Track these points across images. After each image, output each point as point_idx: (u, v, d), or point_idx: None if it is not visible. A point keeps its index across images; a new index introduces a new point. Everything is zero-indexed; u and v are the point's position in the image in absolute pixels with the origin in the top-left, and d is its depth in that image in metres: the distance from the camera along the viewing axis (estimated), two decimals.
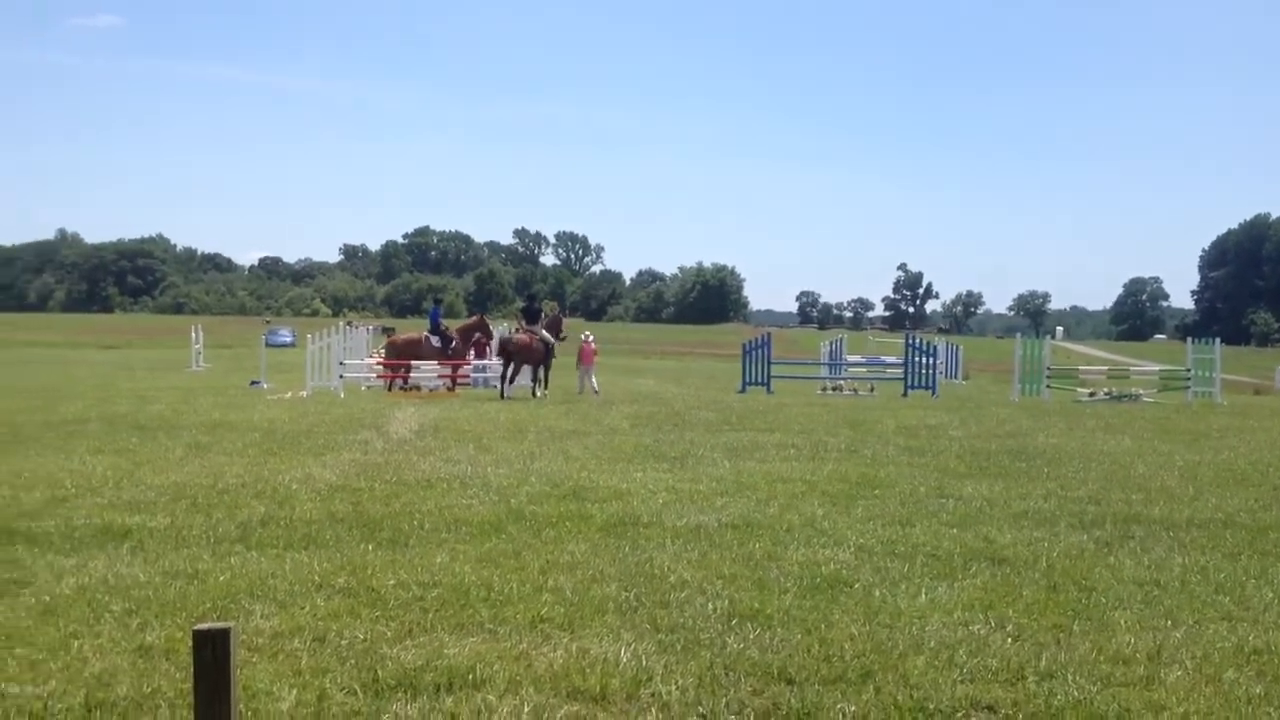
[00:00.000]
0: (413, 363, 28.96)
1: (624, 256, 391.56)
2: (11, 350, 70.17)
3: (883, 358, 41.68)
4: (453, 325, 31.47)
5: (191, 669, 5.39)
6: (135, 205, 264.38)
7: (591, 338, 30.72)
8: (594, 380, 29.24)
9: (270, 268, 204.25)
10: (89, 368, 44.12)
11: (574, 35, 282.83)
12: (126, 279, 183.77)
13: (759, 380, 31.95)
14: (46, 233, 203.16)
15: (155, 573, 7.56)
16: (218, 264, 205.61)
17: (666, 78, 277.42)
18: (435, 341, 29.51)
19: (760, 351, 32.47)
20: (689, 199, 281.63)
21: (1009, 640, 6.35)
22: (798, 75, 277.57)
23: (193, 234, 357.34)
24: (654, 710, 5.18)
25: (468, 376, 30.27)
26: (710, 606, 6.87)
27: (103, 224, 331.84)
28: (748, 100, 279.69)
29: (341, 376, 28.08)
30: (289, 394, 26.87)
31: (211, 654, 2.96)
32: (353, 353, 31.77)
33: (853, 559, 8.41)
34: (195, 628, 2.94)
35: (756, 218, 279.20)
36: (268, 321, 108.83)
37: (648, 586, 7.38)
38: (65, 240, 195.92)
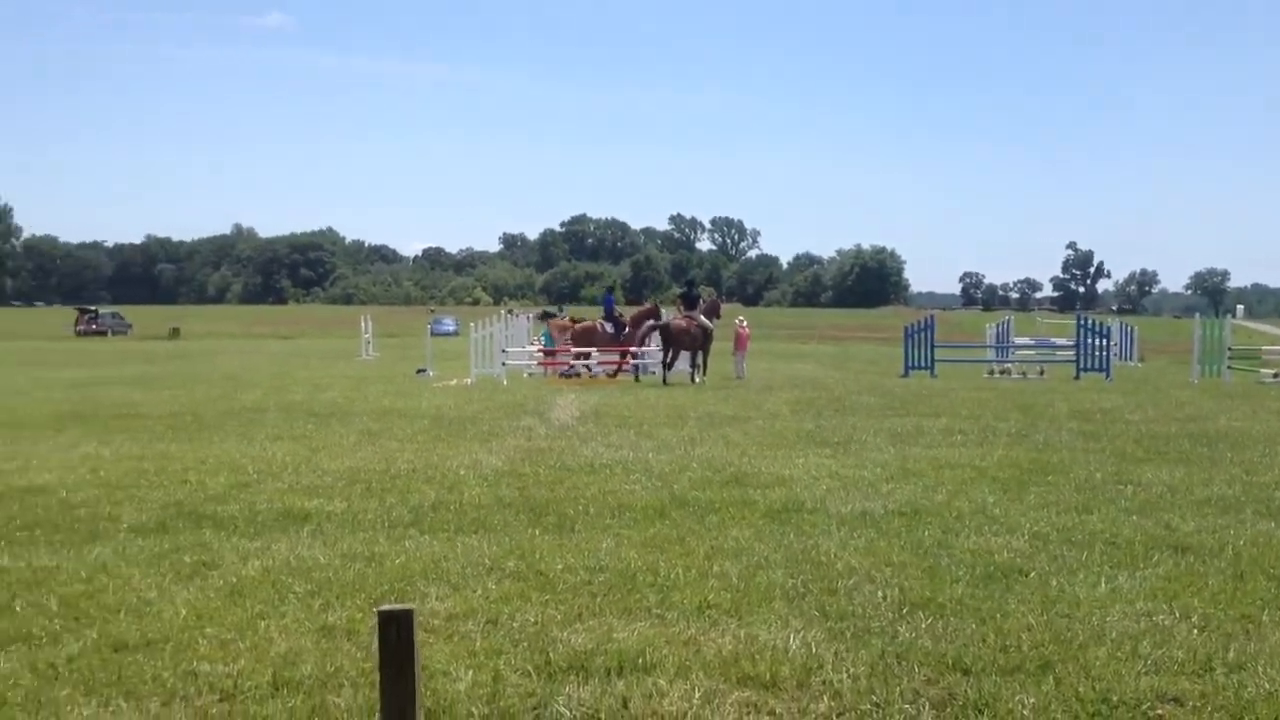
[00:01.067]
0: (591, 350, 29.19)
1: (780, 240, 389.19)
2: (193, 341, 73.52)
3: (1052, 340, 40.50)
4: (626, 311, 31.67)
5: (373, 649, 5.56)
6: (306, 199, 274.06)
7: (746, 323, 30.61)
8: (744, 366, 29.15)
9: (434, 258, 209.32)
10: (265, 357, 45.90)
11: (726, 21, 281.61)
12: (299, 271, 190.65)
13: (922, 364, 31.39)
14: (223, 228, 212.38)
15: (334, 555, 7.81)
16: (384, 255, 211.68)
17: (822, 60, 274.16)
18: (609, 328, 29.52)
19: (923, 335, 31.89)
20: (846, 181, 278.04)
21: (1195, 631, 6.09)
22: (957, 51, 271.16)
23: (360, 227, 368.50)
24: (826, 698, 5.12)
25: (628, 363, 30.48)
26: (880, 594, 6.77)
27: (276, 218, 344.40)
28: (905, 78, 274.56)
29: (504, 364, 28.59)
30: (454, 381, 27.48)
31: (396, 634, 3.03)
32: (514, 340, 32.27)
33: (1027, 547, 8.18)
34: (379, 609, 3.01)
35: (917, 198, 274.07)
36: (432, 311, 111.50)
37: (814, 573, 7.31)
38: (241, 235, 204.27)
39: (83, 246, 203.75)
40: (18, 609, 6.51)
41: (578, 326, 30.67)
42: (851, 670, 5.44)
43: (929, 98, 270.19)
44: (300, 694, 5.08)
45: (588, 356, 29.04)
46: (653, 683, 5.29)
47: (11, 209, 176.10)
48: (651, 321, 28.65)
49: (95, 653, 5.67)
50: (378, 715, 3.14)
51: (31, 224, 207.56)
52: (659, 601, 6.62)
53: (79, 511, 9.57)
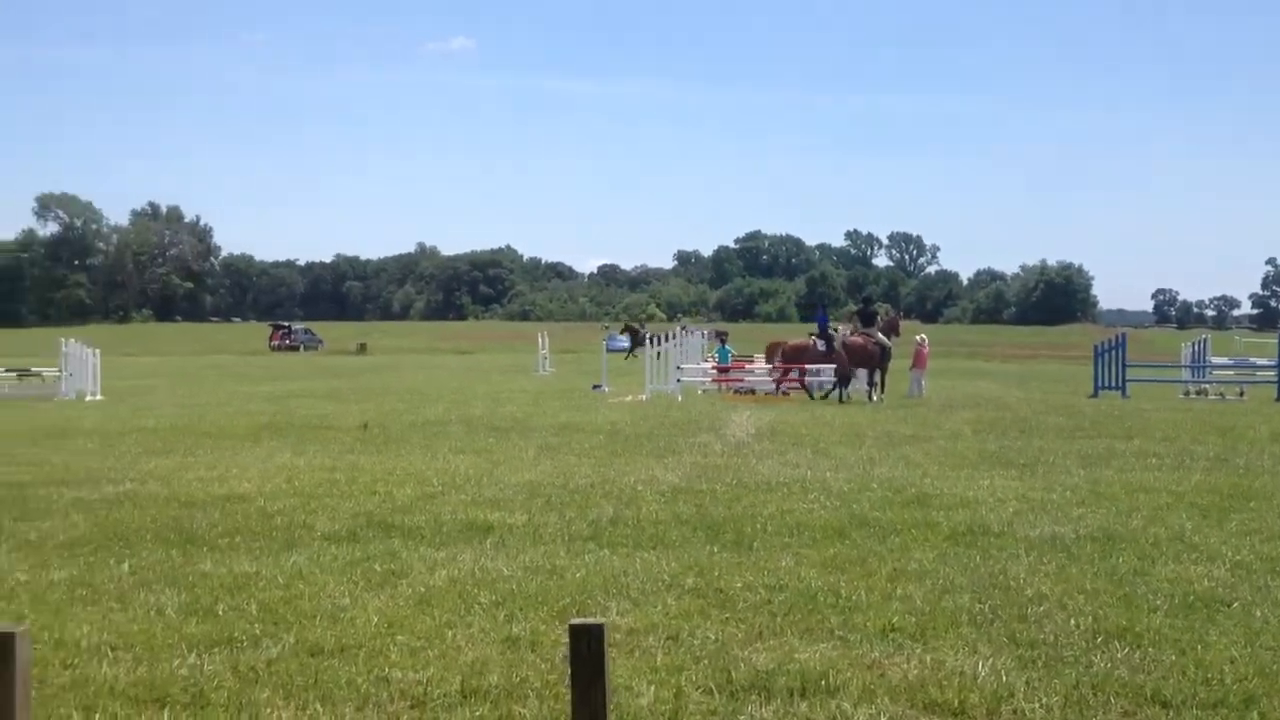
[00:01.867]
0: (758, 366, 28.93)
1: (961, 256, 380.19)
2: (380, 356, 76.04)
3: (1252, 359, 38.55)
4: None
5: (559, 660, 5.63)
6: (486, 218, 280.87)
7: (926, 340, 30.03)
8: (923, 384, 28.54)
9: (608, 275, 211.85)
10: (446, 372, 47.15)
11: (909, 29, 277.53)
12: (478, 288, 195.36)
13: (1113, 384, 30.25)
14: (408, 246, 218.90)
15: (517, 567, 7.94)
16: (560, 272, 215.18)
17: (1006, 71, 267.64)
18: (820, 346, 28.68)
19: (1114, 353, 30.74)
20: (1030, 194, 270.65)
21: None
22: (1152, 59, 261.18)
23: (538, 244, 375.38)
24: None
25: (803, 381, 30.24)
26: (1073, 622, 6.53)
27: (457, 237, 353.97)
28: (1092, 88, 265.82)
29: (679, 380, 28.70)
30: (629, 397, 27.71)
31: (587, 647, 3.06)
32: (689, 357, 32.36)
33: (1229, 576, 7.78)
34: (571, 623, 3.04)
35: (1106, 211, 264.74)
36: (606, 327, 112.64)
37: (1003, 599, 7.10)
38: (424, 253, 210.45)
39: (277, 265, 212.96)
40: (220, 612, 6.80)
41: (790, 343, 29.73)
42: (1044, 700, 5.26)
43: (1120, 107, 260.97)
44: (487, 703, 5.17)
45: (804, 374, 27.98)
46: (836, 705, 5.21)
47: (211, 229, 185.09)
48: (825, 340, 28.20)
49: (293, 657, 5.89)
50: None
51: (230, 243, 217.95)
52: (841, 623, 6.53)
53: (276, 520, 9.97)
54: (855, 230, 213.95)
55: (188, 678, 5.56)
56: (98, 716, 5.05)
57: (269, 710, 5.12)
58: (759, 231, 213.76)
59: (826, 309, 33.11)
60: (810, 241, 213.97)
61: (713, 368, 31.78)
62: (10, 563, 8.22)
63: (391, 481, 12.29)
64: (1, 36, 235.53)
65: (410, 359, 69.61)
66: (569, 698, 5.09)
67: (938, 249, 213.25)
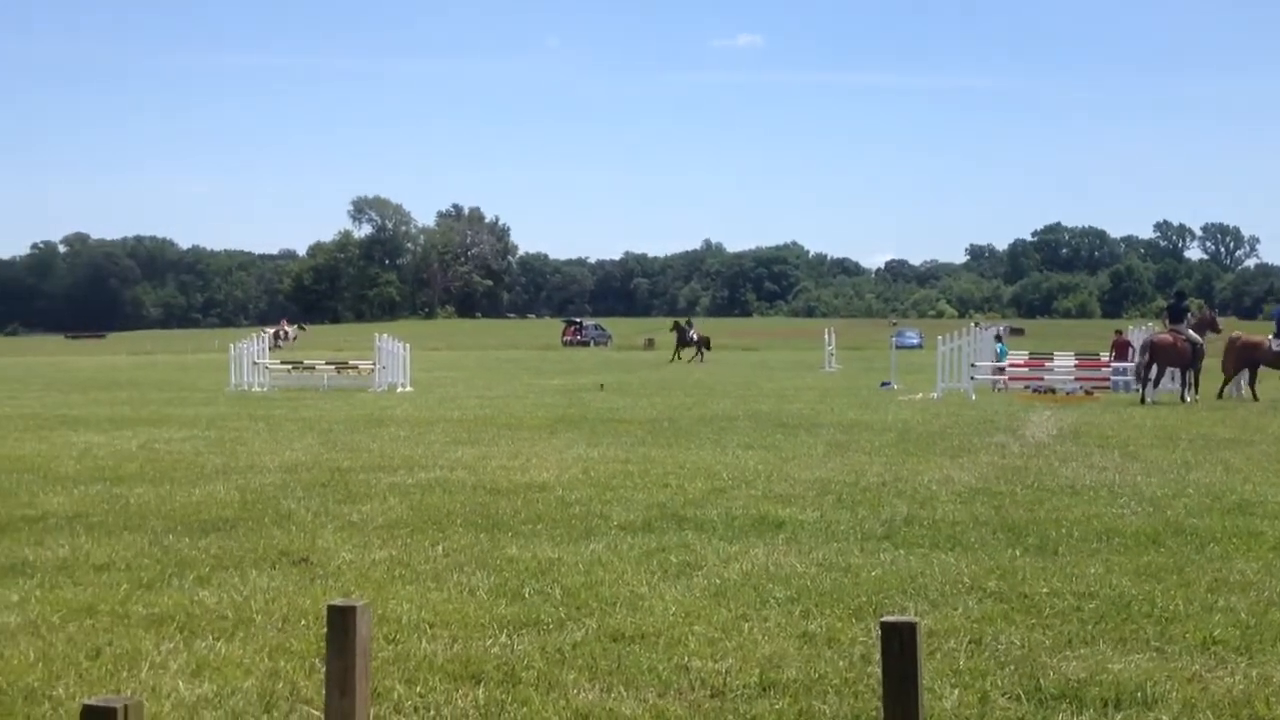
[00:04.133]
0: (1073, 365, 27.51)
1: None
2: (666, 351, 77.35)
3: None
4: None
5: (857, 658, 5.58)
6: (771, 215, 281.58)
7: (1242, 337, 27.93)
8: (1242, 385, 26.42)
9: (896, 270, 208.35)
10: (732, 368, 47.50)
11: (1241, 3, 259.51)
12: (763, 284, 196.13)
13: None
14: (694, 244, 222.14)
15: (810, 564, 7.91)
16: (846, 268, 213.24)
17: None
18: (1275, 346, 26.59)
19: None
20: None
21: None
22: None
23: (824, 240, 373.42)
24: None
25: (1107, 380, 28.85)
26: None
27: (743, 233, 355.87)
28: None
29: (973, 378, 27.90)
30: (919, 395, 27.15)
31: (899, 646, 3.01)
32: (981, 354, 31.38)
33: None
34: (883, 620, 3.00)
35: None
36: (894, 324, 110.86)
37: None
38: (710, 250, 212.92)
39: (569, 262, 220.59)
40: (526, 595, 7.08)
41: (1240, 340, 26.86)
42: None
43: None
44: (787, 697, 5.17)
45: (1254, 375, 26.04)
46: (1155, 718, 4.94)
47: (509, 228, 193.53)
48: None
49: (596, 641, 6.07)
50: None
51: (526, 243, 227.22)
52: (1158, 634, 6.18)
53: (574, 509, 10.30)
54: (1165, 221, 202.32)
55: (499, 656, 5.82)
56: (419, 689, 5.34)
57: (576, 691, 5.29)
58: (1058, 224, 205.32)
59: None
60: (1115, 234, 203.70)
61: (1008, 365, 30.73)
62: (336, 542, 8.83)
63: (683, 475, 12.47)
64: (324, 52, 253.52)
65: None
66: (873, 695, 5.05)
67: (1257, 241, 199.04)
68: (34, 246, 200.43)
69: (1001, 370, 29.81)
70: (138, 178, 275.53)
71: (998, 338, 30.89)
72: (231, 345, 34.49)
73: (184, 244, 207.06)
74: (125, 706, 2.32)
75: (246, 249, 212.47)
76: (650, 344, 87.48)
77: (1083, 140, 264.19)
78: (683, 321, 59.64)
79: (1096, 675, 5.46)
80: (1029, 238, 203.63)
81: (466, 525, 9.51)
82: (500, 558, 8.18)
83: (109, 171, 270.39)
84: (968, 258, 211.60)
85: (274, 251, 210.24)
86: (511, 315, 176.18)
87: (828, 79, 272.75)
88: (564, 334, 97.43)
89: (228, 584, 7.45)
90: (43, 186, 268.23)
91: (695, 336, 55.18)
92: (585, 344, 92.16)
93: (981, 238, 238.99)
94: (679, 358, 52.94)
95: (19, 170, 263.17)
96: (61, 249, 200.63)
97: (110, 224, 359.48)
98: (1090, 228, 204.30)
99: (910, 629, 3.05)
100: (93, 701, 2.32)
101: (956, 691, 5.19)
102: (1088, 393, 27.53)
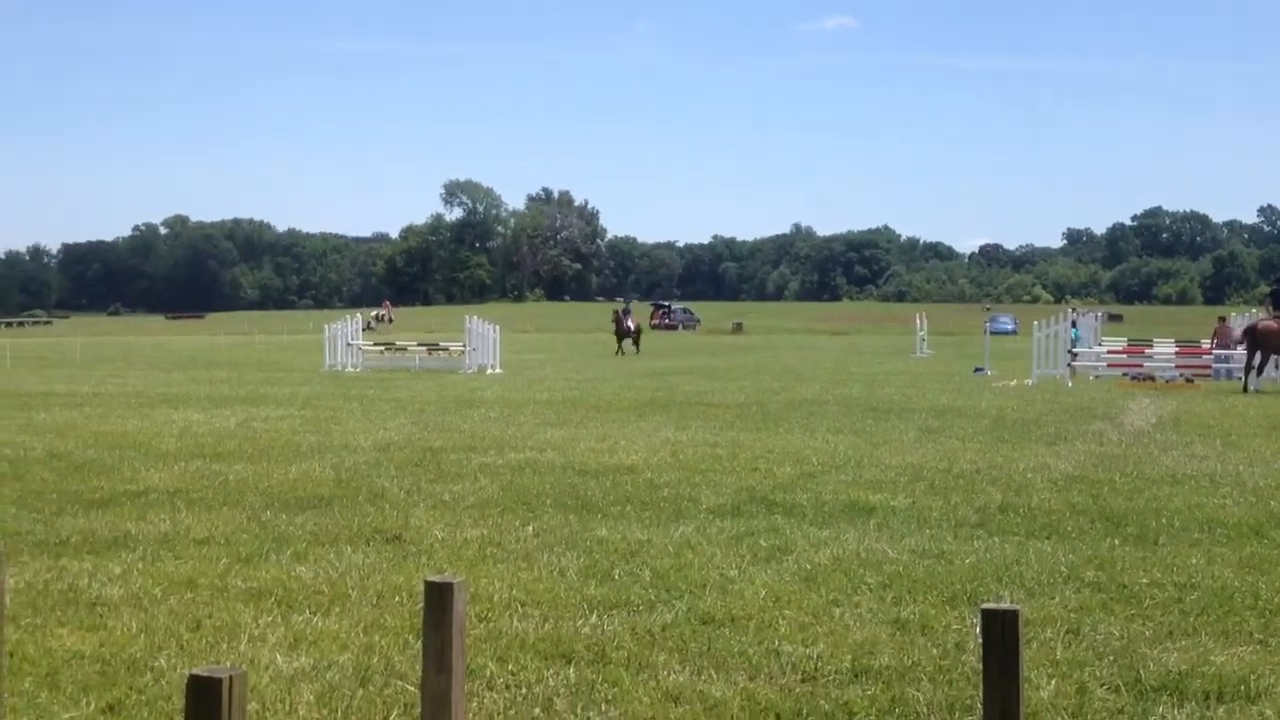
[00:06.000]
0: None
1: None
2: (754, 335, 77.14)
3: None
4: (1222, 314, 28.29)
5: (951, 646, 5.50)
6: (863, 198, 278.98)
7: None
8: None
9: (990, 255, 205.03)
10: (821, 352, 47.21)
11: None
12: (854, 269, 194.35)
13: None
14: (783, 227, 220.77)
15: (902, 550, 7.82)
16: (939, 252, 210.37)
17: None
18: None
19: None
20: None
21: None
22: None
23: (916, 223, 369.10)
24: None
25: (1208, 367, 28.13)
26: None
27: (833, 217, 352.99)
28: None
29: (1070, 365, 27.39)
30: (1014, 381, 26.73)
31: (1000, 633, 2.95)
32: (1080, 341, 30.75)
33: None
34: (983, 607, 2.95)
35: None
36: (987, 309, 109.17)
37: None
38: (800, 234, 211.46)
39: (657, 246, 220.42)
40: (616, 576, 7.10)
41: (1260, 324, 25.48)
42: None
43: None
44: (879, 684, 5.12)
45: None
46: (1259, 712, 4.82)
47: (598, 212, 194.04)
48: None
49: (686, 623, 6.06)
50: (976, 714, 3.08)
51: (614, 226, 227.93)
52: (1261, 626, 6.02)
53: (663, 491, 10.30)
54: (1269, 206, 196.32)
55: (590, 636, 5.84)
56: (510, 667, 5.38)
57: (666, 673, 5.29)
58: (1159, 207, 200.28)
59: None
60: (1217, 218, 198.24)
61: (1108, 352, 30.07)
62: (429, 521, 8.93)
63: (771, 459, 12.41)
64: (419, 38, 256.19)
65: (784, 339, 70.22)
66: (967, 684, 4.98)
67: None
68: (135, 228, 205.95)
69: (1074, 355, 28.95)
70: (236, 161, 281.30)
71: (1073, 324, 30.04)
72: (326, 326, 35.09)
73: (280, 227, 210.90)
74: (230, 678, 2.36)
75: (341, 232, 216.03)
76: (739, 328, 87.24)
77: (1184, 123, 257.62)
78: (619, 308, 49.78)
79: (1198, 667, 5.33)
80: (1128, 222, 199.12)
81: (556, 506, 9.56)
82: (590, 539, 8.21)
83: (209, 154, 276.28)
84: (1064, 242, 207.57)
85: (367, 234, 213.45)
86: (600, 298, 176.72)
87: (919, 61, 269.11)
88: (651, 317, 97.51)
89: (323, 560, 7.58)
90: (144, 169, 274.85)
91: (632, 326, 45.17)
92: (673, 327, 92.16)
93: (1079, 222, 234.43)
94: (621, 351, 43.87)
95: (122, 153, 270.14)
96: (162, 231, 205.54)
97: (209, 207, 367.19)
98: (1192, 212, 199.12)
99: (1012, 616, 3.00)
100: (199, 672, 2.37)
101: (1054, 682, 5.10)
102: (1188, 380, 26.86)
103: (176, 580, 7.01)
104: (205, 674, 2.40)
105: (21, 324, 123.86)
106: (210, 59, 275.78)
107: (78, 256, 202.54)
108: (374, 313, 69.68)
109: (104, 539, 8.27)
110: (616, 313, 47.32)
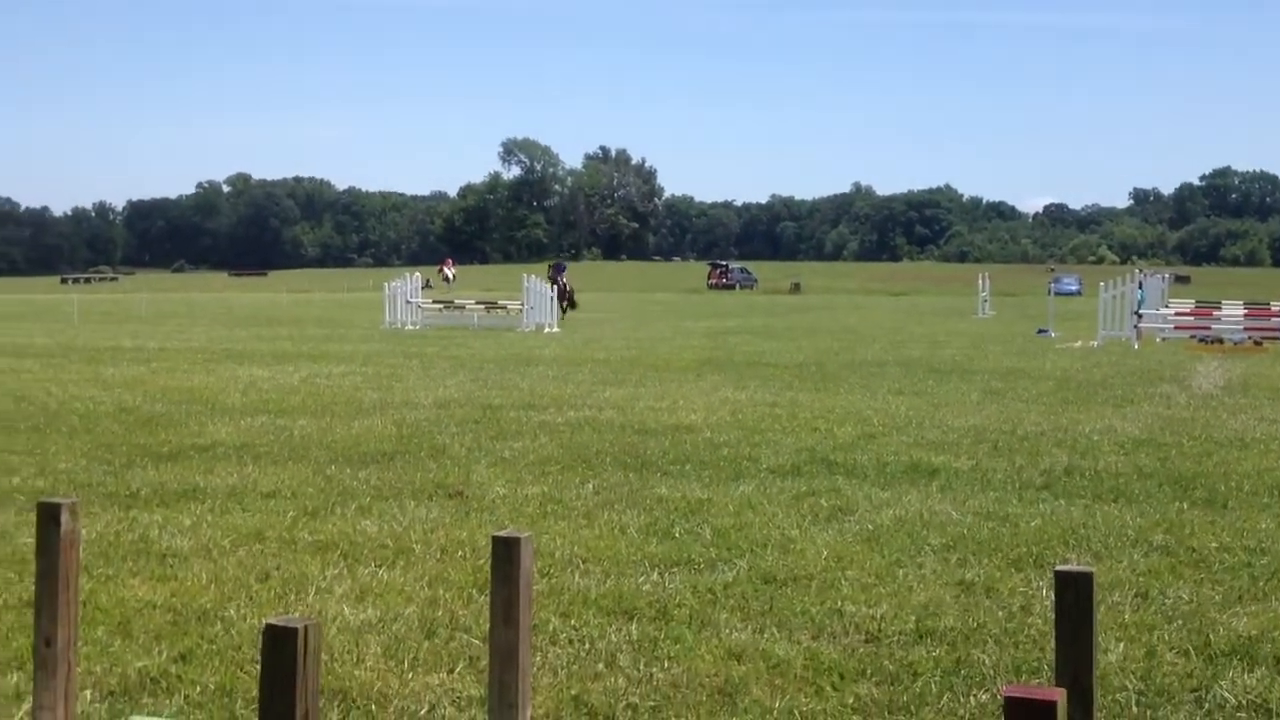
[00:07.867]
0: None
1: None
2: (813, 295, 76.72)
3: None
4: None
5: (1017, 609, 5.46)
6: (925, 157, 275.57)
7: None
8: None
9: (1055, 214, 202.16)
10: (881, 313, 46.86)
11: None
12: (914, 228, 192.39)
13: None
14: (843, 186, 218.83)
15: (966, 512, 7.75)
16: (1001, 212, 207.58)
17: None
18: None
19: None
20: None
21: None
22: None
23: (979, 183, 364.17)
24: None
25: (1278, 330, 27.55)
26: None
27: (894, 176, 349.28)
28: None
29: (1136, 327, 26.98)
30: (1078, 343, 26.38)
31: (1074, 595, 2.90)
32: (1146, 302, 30.22)
33: None
34: (1057, 569, 2.90)
35: None
36: (1051, 269, 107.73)
37: None
38: (859, 193, 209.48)
39: (715, 205, 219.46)
40: (677, 535, 7.10)
41: None
42: None
43: None
44: (944, 645, 5.08)
45: None
46: None
47: (656, 171, 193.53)
48: None
49: (747, 582, 6.05)
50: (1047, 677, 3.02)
51: (672, 185, 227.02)
52: None
53: (723, 450, 10.28)
54: None
55: (651, 593, 5.85)
56: (573, 622, 5.41)
57: (728, 630, 5.29)
58: (1228, 167, 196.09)
59: None
60: None
61: (1175, 314, 29.53)
62: (490, 477, 8.99)
63: (832, 419, 12.34)
64: None
65: (843, 299, 69.76)
66: (1033, 646, 4.94)
67: None
68: (199, 186, 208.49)
69: (1140, 317, 28.46)
70: (298, 119, 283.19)
71: (1139, 285, 29.46)
72: (386, 284, 35.33)
73: (340, 185, 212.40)
74: (305, 628, 2.38)
75: (399, 190, 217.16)
76: (796, 288, 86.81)
77: (1255, 81, 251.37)
78: (549, 265, 45.12)
79: (1269, 632, 5.24)
80: (1196, 182, 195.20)
81: (616, 464, 9.58)
82: (650, 497, 8.22)
83: (272, 113, 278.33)
84: (1131, 202, 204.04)
85: (426, 193, 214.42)
86: (657, 258, 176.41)
87: (985, 18, 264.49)
88: (709, 277, 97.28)
89: (388, 514, 7.65)
90: (208, 128, 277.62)
91: (565, 285, 38.80)
92: (730, 287, 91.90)
93: (1146, 181, 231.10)
94: (564, 311, 36.48)
95: (186, 111, 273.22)
96: (225, 189, 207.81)
97: (272, 165, 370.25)
98: (1262, 172, 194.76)
99: (1087, 579, 2.94)
100: (275, 621, 2.39)
101: (1122, 645, 5.03)
102: (1257, 343, 26.36)
103: (245, 532, 7.11)
104: (281, 623, 2.41)
105: (89, 280, 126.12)
106: (273, 18, 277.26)
107: (143, 213, 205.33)
108: (441, 271, 69.68)
109: (173, 491, 8.40)
110: (550, 267, 42.82)
